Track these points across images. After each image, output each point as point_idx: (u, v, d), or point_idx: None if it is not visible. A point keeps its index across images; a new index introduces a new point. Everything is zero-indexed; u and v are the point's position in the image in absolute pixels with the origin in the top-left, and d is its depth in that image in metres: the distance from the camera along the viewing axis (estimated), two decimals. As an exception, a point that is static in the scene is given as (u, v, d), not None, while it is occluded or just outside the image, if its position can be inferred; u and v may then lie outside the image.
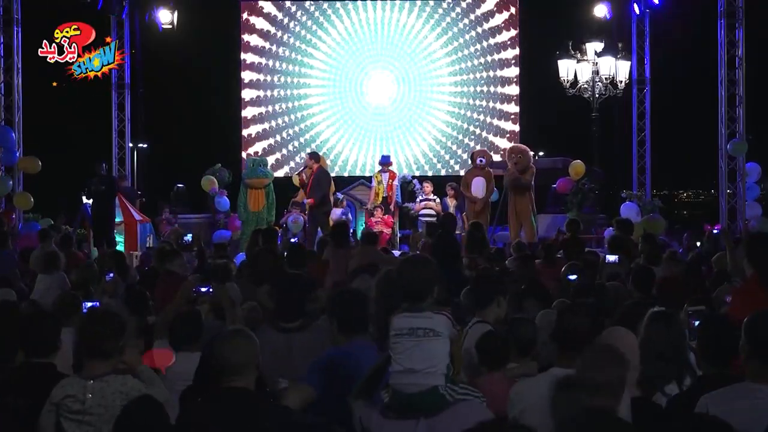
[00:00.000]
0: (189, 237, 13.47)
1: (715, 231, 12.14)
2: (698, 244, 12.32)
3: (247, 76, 20.09)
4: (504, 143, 19.52)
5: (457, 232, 14.32)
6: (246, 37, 20.08)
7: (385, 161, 16.53)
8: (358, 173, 19.52)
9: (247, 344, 3.62)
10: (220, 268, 7.31)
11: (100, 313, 4.23)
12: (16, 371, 4.38)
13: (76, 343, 4.70)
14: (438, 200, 16.08)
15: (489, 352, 4.51)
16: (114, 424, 3.46)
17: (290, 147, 20.09)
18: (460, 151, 19.88)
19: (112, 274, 7.51)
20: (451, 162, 20.04)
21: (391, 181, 16.17)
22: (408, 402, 3.63)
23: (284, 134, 20.14)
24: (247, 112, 20.08)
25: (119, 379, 3.95)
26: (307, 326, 4.95)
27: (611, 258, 8.33)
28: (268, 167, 16.19)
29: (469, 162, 16.10)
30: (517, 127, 19.85)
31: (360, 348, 4.20)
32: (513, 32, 20.00)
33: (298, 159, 19.81)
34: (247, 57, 20.09)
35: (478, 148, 18.36)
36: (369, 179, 18.24)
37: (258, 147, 19.83)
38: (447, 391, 3.68)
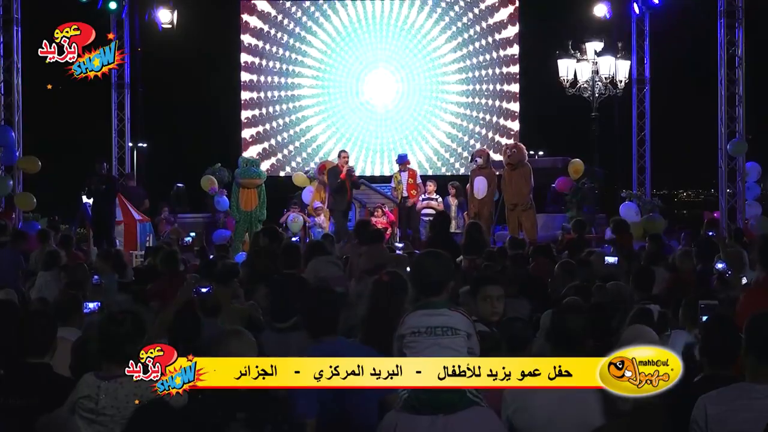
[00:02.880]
0: (189, 238, 13.52)
1: (711, 234, 12.13)
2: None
3: (246, 76, 20.11)
4: (505, 142, 19.57)
5: (458, 231, 14.35)
6: (245, 36, 20.11)
7: (402, 160, 16.44)
8: (360, 173, 19.51)
9: (241, 345, 3.61)
10: (227, 269, 7.31)
11: (120, 315, 4.21)
12: (11, 371, 4.38)
13: (75, 343, 4.70)
14: (440, 199, 16.07)
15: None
16: (125, 426, 3.45)
17: (290, 147, 20.12)
18: (460, 149, 19.91)
19: (97, 278, 7.51)
20: (452, 161, 20.07)
21: (411, 180, 16.03)
22: (428, 398, 3.64)
23: (284, 135, 20.17)
24: (247, 113, 20.12)
25: (134, 381, 3.93)
26: (301, 326, 4.95)
27: (611, 260, 8.36)
28: (261, 167, 16.22)
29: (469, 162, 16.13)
30: (517, 126, 19.89)
31: (347, 346, 4.19)
32: (513, 31, 20.03)
33: (299, 159, 19.88)
34: (247, 58, 20.12)
35: (477, 147, 18.43)
36: (370, 179, 18.26)
37: (258, 147, 19.87)
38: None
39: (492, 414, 3.77)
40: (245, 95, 20.12)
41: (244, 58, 20.10)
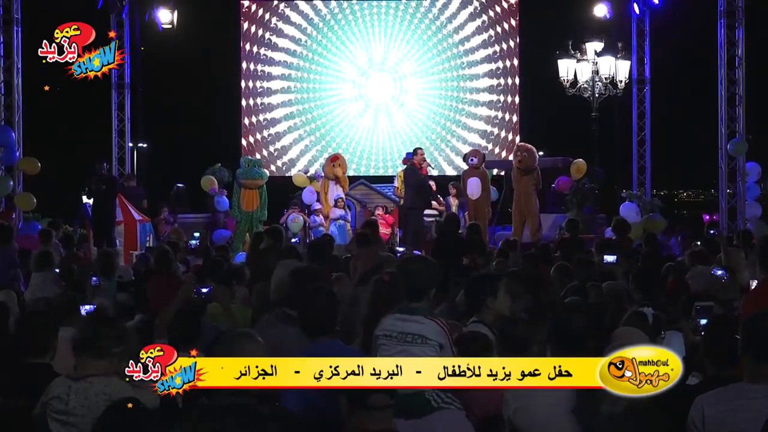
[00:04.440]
0: (195, 241, 13.52)
1: (711, 232, 12.11)
2: (698, 243, 12.30)
3: (246, 79, 20.12)
4: (507, 138, 19.61)
5: (459, 231, 14.33)
6: (245, 36, 20.11)
7: (408, 158, 16.40)
8: (360, 173, 19.53)
9: (251, 347, 3.60)
10: (233, 271, 7.30)
11: (103, 315, 4.22)
12: (11, 372, 4.39)
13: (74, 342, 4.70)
14: (442, 200, 16.04)
15: (467, 350, 4.50)
16: (94, 426, 3.42)
17: (292, 149, 20.14)
18: (462, 148, 19.92)
19: (96, 279, 7.50)
20: (454, 160, 20.08)
21: None
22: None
23: (286, 136, 20.19)
24: (248, 116, 20.14)
25: (103, 380, 3.91)
26: (289, 319, 4.94)
27: (609, 258, 8.32)
28: (263, 168, 16.18)
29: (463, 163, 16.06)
30: (517, 126, 19.91)
31: (338, 347, 4.18)
32: (513, 32, 20.04)
33: (305, 161, 19.90)
34: (246, 58, 20.13)
35: (479, 146, 18.46)
36: (370, 179, 18.25)
37: (260, 149, 19.88)
38: (432, 396, 3.70)
39: (461, 417, 3.77)
40: (245, 96, 20.11)
41: (244, 59, 20.10)
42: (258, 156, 19.05)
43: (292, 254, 7.39)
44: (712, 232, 12.12)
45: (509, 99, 20.01)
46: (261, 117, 20.15)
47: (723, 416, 3.49)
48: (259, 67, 20.16)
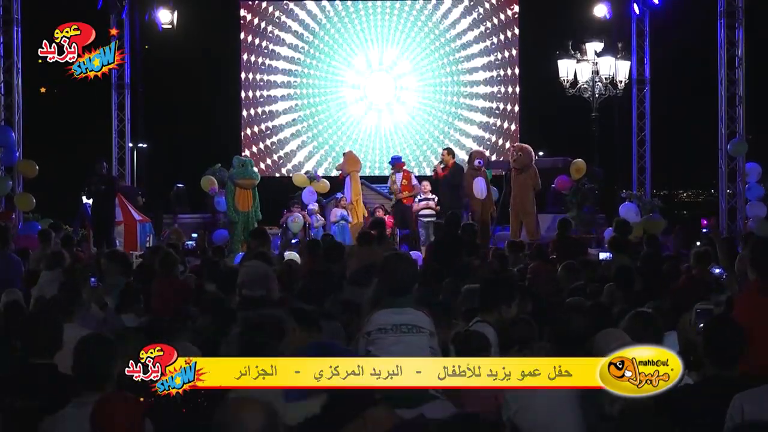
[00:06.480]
0: (192, 242, 13.50)
1: (704, 230, 12.12)
2: (698, 243, 12.29)
3: (246, 76, 20.12)
4: (503, 143, 19.59)
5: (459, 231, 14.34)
6: (245, 36, 20.12)
7: (394, 162, 16.40)
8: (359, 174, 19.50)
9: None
10: (233, 272, 7.29)
11: (91, 340, 4.10)
12: (17, 372, 4.38)
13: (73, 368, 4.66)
14: (437, 199, 16.04)
15: (465, 348, 4.51)
16: None
17: (291, 148, 20.15)
18: (458, 149, 19.92)
19: (94, 280, 7.47)
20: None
21: (405, 181, 15.89)
22: (393, 393, 3.66)
23: (284, 135, 20.19)
24: (248, 113, 20.13)
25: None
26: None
27: (604, 255, 8.32)
28: (254, 167, 16.14)
29: (467, 163, 16.02)
30: (516, 128, 19.90)
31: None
32: (513, 32, 20.04)
33: (301, 158, 19.90)
34: (247, 57, 20.13)
35: (475, 147, 18.45)
36: (369, 179, 18.28)
37: (258, 148, 19.89)
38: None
39: (450, 407, 3.81)
40: (245, 95, 20.11)
41: (245, 57, 20.10)
42: (249, 152, 19.04)
43: (260, 257, 7.39)
44: (705, 230, 12.11)
45: (509, 106, 20.00)
46: (260, 110, 20.14)
47: (762, 414, 3.48)
48: (259, 66, 20.14)
